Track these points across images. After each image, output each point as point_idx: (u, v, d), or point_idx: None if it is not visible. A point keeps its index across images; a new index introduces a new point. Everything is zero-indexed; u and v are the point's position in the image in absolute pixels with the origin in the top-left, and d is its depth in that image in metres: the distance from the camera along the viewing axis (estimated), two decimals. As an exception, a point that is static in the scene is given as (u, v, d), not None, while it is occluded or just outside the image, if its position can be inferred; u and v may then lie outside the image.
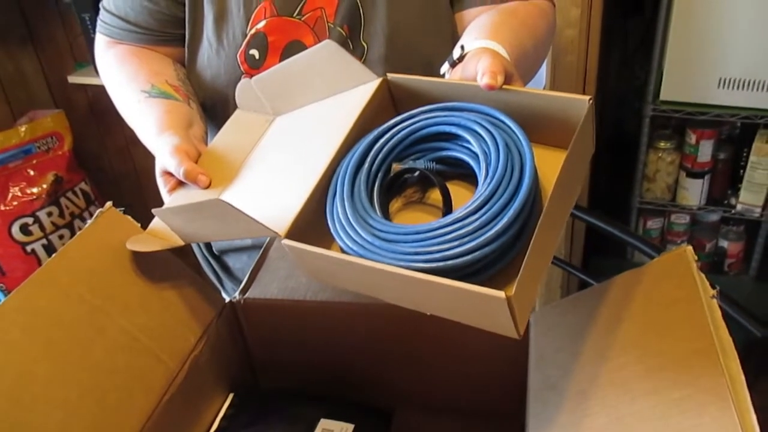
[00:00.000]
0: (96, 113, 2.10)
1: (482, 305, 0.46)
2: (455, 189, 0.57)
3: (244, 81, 0.75)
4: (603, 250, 1.88)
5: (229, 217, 0.54)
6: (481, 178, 0.51)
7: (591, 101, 0.52)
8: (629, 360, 0.52)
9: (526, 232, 0.49)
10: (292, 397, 0.72)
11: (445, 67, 0.66)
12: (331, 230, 0.55)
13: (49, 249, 1.91)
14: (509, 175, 0.49)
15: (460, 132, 0.55)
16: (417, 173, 0.57)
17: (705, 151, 1.70)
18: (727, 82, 1.56)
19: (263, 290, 0.73)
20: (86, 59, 1.95)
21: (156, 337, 0.62)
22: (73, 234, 1.96)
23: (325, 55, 0.65)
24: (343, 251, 0.54)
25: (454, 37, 0.84)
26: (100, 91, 2.02)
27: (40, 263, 1.90)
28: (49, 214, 1.90)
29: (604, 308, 0.59)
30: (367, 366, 0.74)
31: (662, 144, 1.75)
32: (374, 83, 0.63)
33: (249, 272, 0.75)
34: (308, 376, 0.75)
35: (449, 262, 0.47)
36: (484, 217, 0.48)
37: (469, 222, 0.48)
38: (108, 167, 2.20)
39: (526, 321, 0.47)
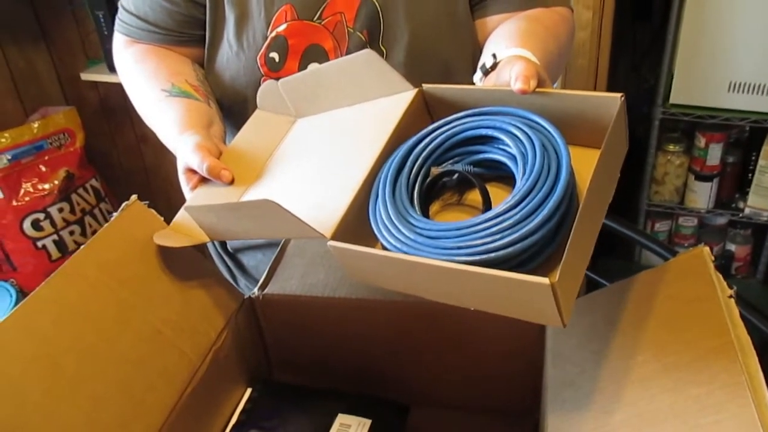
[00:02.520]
0: (107, 110, 2.12)
1: (526, 294, 0.47)
2: (493, 190, 0.58)
3: (269, 82, 0.76)
4: (611, 251, 1.89)
5: (276, 217, 0.55)
6: (518, 176, 0.52)
7: (623, 99, 0.53)
8: (648, 357, 0.53)
9: (565, 225, 0.51)
10: (309, 391, 0.73)
11: (478, 76, 0.67)
12: (374, 230, 0.57)
13: (60, 245, 1.92)
14: (546, 172, 0.51)
15: (497, 134, 0.56)
16: (456, 176, 0.59)
17: (714, 155, 1.71)
18: (736, 86, 1.57)
19: (282, 286, 0.74)
20: (98, 56, 1.96)
21: (179, 331, 0.63)
22: (83, 230, 1.97)
23: (362, 62, 0.66)
24: (386, 250, 0.55)
25: (473, 44, 0.85)
26: (112, 89, 2.04)
27: (50, 259, 1.91)
28: (60, 210, 1.91)
29: (621, 307, 0.60)
30: (383, 363, 0.75)
31: (671, 147, 1.75)
32: (410, 93, 0.64)
33: (267, 269, 0.76)
34: (325, 372, 0.76)
35: (491, 255, 0.48)
36: (523, 211, 0.49)
37: (509, 216, 0.49)
38: (117, 164, 2.21)
39: (570, 310, 0.48)
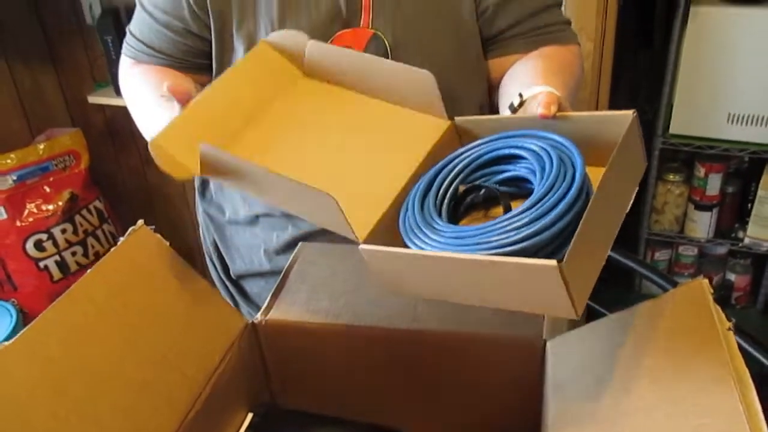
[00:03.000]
0: (112, 133, 2.14)
1: (535, 279, 0.48)
2: (517, 206, 0.61)
3: (298, 33, 0.75)
4: (611, 280, 1.89)
5: (324, 209, 0.58)
6: (536, 183, 0.56)
7: (635, 114, 0.56)
8: (647, 388, 0.53)
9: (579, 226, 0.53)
10: (310, 418, 0.73)
11: (506, 114, 0.70)
12: (402, 235, 0.60)
13: (62, 265, 1.93)
14: (562, 178, 0.54)
15: (520, 152, 0.60)
16: (482, 191, 0.62)
17: (713, 185, 1.72)
18: (735, 117, 1.59)
19: (284, 312, 0.74)
20: (105, 79, 1.99)
21: (183, 355, 0.63)
22: (86, 251, 1.98)
23: (415, 75, 0.69)
24: None
25: (483, 81, 0.89)
26: (118, 111, 2.06)
27: (52, 279, 1.92)
28: (63, 231, 1.92)
29: (621, 337, 0.61)
30: (384, 390, 0.75)
31: (671, 176, 1.77)
32: (444, 123, 0.70)
33: (270, 294, 0.77)
34: (326, 398, 0.76)
35: (507, 249, 0.51)
36: (539, 210, 0.52)
37: (525, 215, 0.52)
38: (121, 185, 2.22)
39: (584, 302, 0.49)
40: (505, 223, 0.53)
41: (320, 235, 0.81)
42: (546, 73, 0.75)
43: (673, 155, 1.78)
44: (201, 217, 1.06)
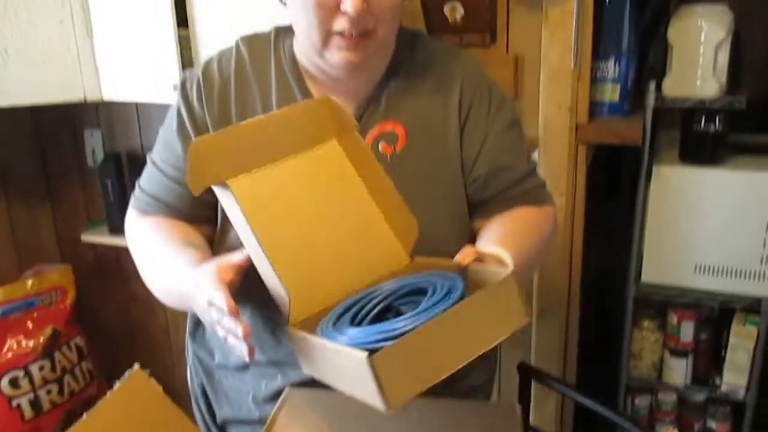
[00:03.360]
0: (101, 270, 2.17)
1: (351, 366, 0.59)
2: None
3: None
4: (592, 429, 1.88)
5: (278, 295, 0.77)
6: (422, 305, 0.69)
7: (511, 271, 0.68)
8: None
9: None
10: None
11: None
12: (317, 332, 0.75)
13: (35, 404, 1.87)
14: (441, 305, 0.67)
15: (428, 287, 0.74)
16: (393, 312, 0.76)
17: (687, 332, 1.76)
18: (702, 268, 1.67)
19: (270, 458, 0.75)
20: (100, 218, 2.04)
21: (169, 503, 0.64)
22: (61, 389, 1.93)
23: (402, 215, 0.85)
24: None
25: (465, 236, 0.96)
26: (108, 250, 2.10)
27: (23, 419, 1.86)
28: (41, 368, 1.88)
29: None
30: None
31: (646, 323, 1.81)
32: (406, 259, 0.86)
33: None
34: None
35: (374, 345, 0.62)
36: (408, 320, 0.65)
37: (399, 324, 0.65)
38: (104, 322, 2.22)
39: (402, 398, 0.58)
40: (384, 326, 0.66)
41: (309, 384, 0.84)
42: (504, 238, 0.86)
43: (647, 302, 1.84)
44: (190, 359, 1.08)
